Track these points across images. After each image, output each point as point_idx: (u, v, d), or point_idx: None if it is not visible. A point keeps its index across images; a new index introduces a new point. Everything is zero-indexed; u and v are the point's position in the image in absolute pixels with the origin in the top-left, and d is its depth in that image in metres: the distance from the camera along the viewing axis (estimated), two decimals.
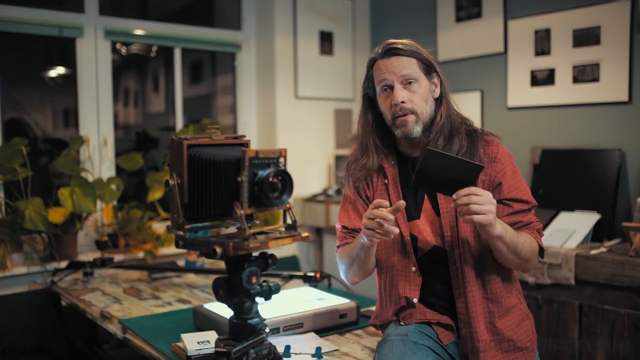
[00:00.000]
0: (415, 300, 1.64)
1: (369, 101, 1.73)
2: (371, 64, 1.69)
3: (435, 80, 1.68)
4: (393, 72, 1.62)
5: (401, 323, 1.65)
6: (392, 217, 1.46)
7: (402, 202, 1.47)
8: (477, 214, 1.42)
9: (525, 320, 1.66)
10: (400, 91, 1.61)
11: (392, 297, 1.69)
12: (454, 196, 1.45)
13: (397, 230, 1.49)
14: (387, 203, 1.49)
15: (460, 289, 1.61)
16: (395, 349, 1.54)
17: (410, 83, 1.62)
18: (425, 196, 1.67)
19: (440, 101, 1.68)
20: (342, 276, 1.80)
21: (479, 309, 1.59)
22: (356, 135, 1.78)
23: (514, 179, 1.62)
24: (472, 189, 1.44)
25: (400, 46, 1.63)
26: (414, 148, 1.70)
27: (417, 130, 1.63)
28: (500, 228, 1.49)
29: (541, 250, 1.62)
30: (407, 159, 1.71)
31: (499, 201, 1.60)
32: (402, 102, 1.61)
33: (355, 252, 1.67)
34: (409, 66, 1.62)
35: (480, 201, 1.42)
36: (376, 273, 1.76)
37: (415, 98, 1.62)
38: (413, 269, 1.65)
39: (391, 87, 1.63)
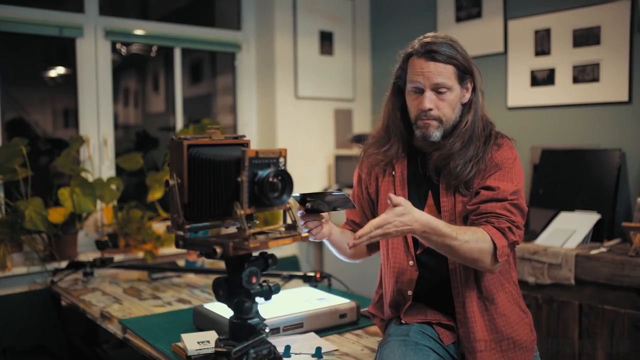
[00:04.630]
0: (409, 293, 1.65)
1: (398, 90, 1.71)
2: (407, 58, 1.65)
3: (468, 84, 1.64)
4: (428, 77, 1.59)
5: (402, 321, 1.66)
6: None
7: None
8: (393, 232, 1.42)
9: (524, 319, 1.67)
10: (430, 97, 1.59)
11: (389, 288, 1.71)
12: (356, 235, 1.43)
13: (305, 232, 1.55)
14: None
15: (459, 288, 1.61)
16: (396, 349, 1.54)
17: (441, 92, 1.59)
18: (430, 192, 1.67)
19: (468, 106, 1.64)
20: None
21: (476, 308, 1.59)
22: (380, 118, 1.76)
23: (502, 175, 1.58)
24: (370, 223, 1.42)
25: (440, 50, 1.58)
26: (428, 144, 1.68)
27: (436, 135, 1.61)
28: (421, 228, 1.44)
29: (497, 250, 1.50)
30: (418, 152, 1.71)
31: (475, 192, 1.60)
32: (430, 109, 1.59)
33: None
34: (445, 73, 1.59)
35: (380, 231, 1.41)
36: (382, 261, 1.78)
37: (443, 106, 1.60)
38: (411, 263, 1.66)
39: (422, 91, 1.60)
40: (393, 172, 1.72)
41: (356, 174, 1.84)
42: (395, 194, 1.69)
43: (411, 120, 1.66)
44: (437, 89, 1.59)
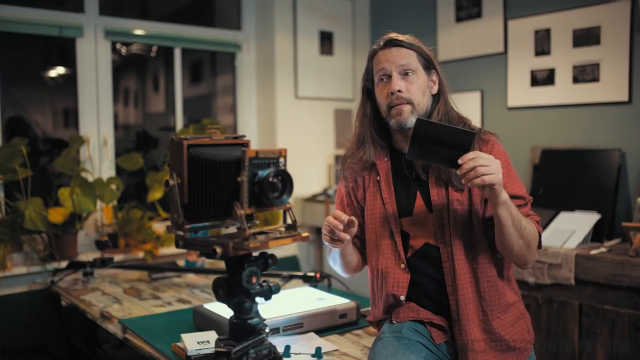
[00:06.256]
0: (402, 298, 1.64)
1: (368, 94, 1.73)
2: (371, 56, 1.70)
3: (434, 77, 1.69)
4: (392, 61, 1.63)
5: (393, 322, 1.65)
6: (341, 226, 1.51)
7: (354, 218, 1.51)
8: (485, 174, 1.39)
9: (520, 319, 1.65)
10: (398, 80, 1.62)
11: (381, 294, 1.70)
12: (460, 161, 1.42)
13: (347, 237, 1.53)
14: (345, 217, 1.52)
15: (452, 287, 1.60)
16: (388, 344, 1.54)
17: (408, 74, 1.63)
18: (418, 193, 1.66)
19: (438, 98, 1.68)
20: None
21: (471, 308, 1.59)
22: (354, 128, 1.78)
23: (508, 176, 1.61)
24: (477, 152, 1.42)
25: (401, 38, 1.65)
26: (407, 142, 1.69)
27: (411, 120, 1.62)
28: (506, 195, 1.46)
29: (540, 240, 1.61)
30: (401, 154, 1.70)
31: None
32: (399, 90, 1.61)
33: (332, 254, 1.74)
34: (408, 57, 1.64)
35: (486, 162, 1.40)
36: (368, 269, 1.77)
37: (412, 88, 1.63)
38: (402, 266, 1.65)
39: (389, 77, 1.64)
40: (378, 177, 1.71)
41: (340, 187, 1.82)
42: (381, 196, 1.69)
43: (384, 115, 1.67)
44: (403, 72, 1.63)
